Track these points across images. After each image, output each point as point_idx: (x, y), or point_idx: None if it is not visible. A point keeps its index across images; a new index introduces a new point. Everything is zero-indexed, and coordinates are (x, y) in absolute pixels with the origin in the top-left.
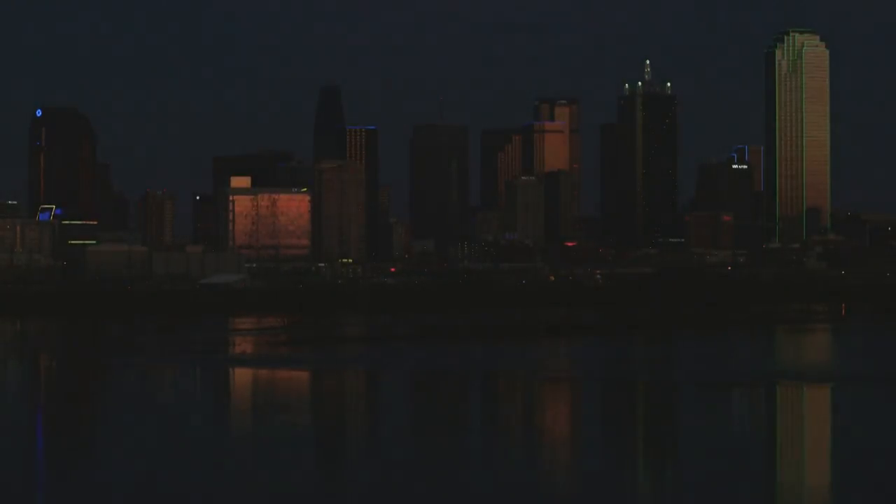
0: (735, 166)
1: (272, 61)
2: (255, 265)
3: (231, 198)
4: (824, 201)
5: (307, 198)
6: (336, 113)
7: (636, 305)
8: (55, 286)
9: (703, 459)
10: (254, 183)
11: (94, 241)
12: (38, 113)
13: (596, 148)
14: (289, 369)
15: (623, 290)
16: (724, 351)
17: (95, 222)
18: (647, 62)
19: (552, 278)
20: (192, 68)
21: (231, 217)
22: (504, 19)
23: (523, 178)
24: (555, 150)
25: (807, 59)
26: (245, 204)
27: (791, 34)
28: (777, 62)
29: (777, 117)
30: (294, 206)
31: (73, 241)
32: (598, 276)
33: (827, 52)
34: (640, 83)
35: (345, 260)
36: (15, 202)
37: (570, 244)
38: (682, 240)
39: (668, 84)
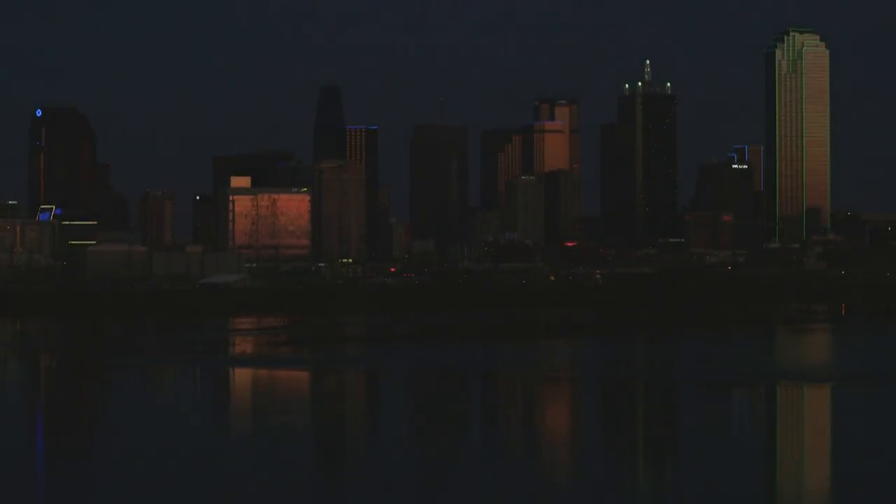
0: (735, 166)
1: (272, 61)
2: (255, 265)
3: (231, 198)
4: (824, 201)
5: (307, 198)
6: (336, 113)
7: (636, 305)
8: (55, 286)
9: (703, 459)
10: (254, 183)
11: (94, 241)
12: (38, 113)
13: (596, 148)
14: (289, 369)
15: (623, 290)
16: (724, 351)
17: (95, 222)
18: (647, 62)
19: (552, 278)
20: (192, 68)
21: (231, 217)
22: (504, 19)
23: (523, 178)
24: (555, 150)
25: (807, 59)
26: (245, 204)
27: (791, 34)
28: (777, 62)
29: (777, 117)
30: (294, 206)
31: (73, 241)
32: (598, 276)
33: (827, 52)
34: (640, 83)
35: (345, 260)
36: (15, 202)
37: (570, 244)
38: (682, 240)
39: (668, 84)
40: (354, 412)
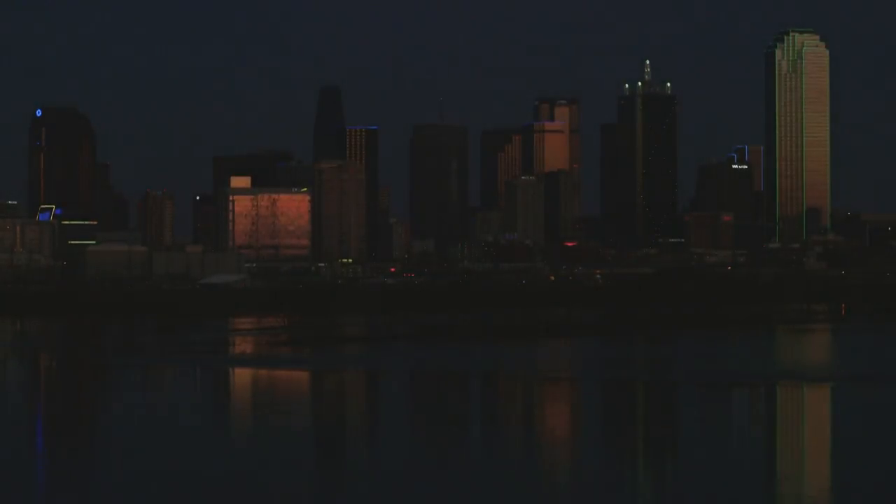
0: (735, 166)
1: (272, 61)
2: (255, 265)
3: (231, 198)
4: (824, 201)
5: (307, 198)
6: (336, 113)
7: (636, 305)
8: (55, 286)
9: (703, 459)
10: (254, 183)
11: (94, 241)
12: (38, 113)
13: (596, 148)
14: (289, 369)
15: (623, 290)
16: (724, 351)
17: (95, 222)
18: (647, 62)
19: (552, 278)
20: (192, 68)
21: (231, 217)
22: (504, 19)
23: (523, 178)
24: (555, 150)
25: (807, 59)
26: (245, 204)
27: (791, 34)
28: (777, 62)
29: (777, 117)
30: (294, 206)
31: (73, 241)
32: (598, 276)
33: (827, 52)
34: (640, 83)
35: (345, 260)
36: (15, 202)
37: (570, 244)
38: (682, 240)
39: (668, 84)
40: (354, 412)
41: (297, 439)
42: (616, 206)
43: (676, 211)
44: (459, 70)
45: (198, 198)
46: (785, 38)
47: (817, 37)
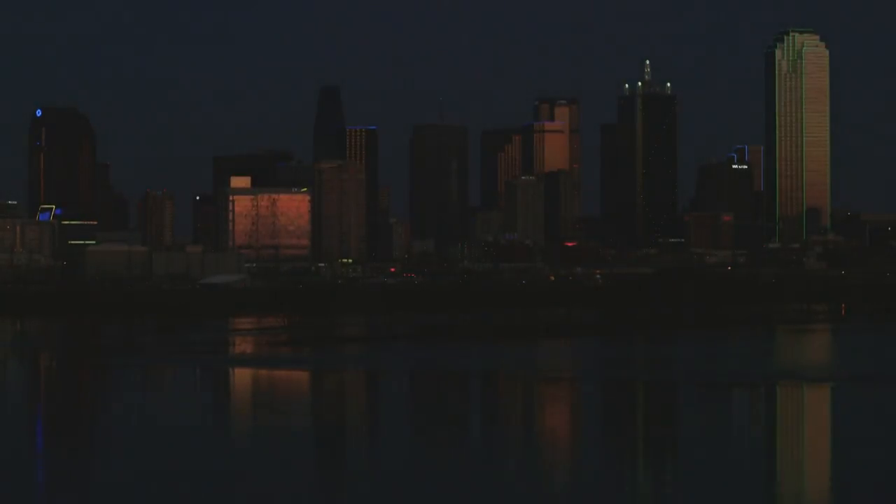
0: (735, 166)
1: (272, 62)
2: (255, 265)
3: (231, 198)
4: (824, 201)
5: (307, 198)
6: (336, 113)
7: (636, 305)
8: (55, 286)
9: (703, 459)
10: (254, 183)
11: (94, 241)
12: (38, 113)
13: (596, 148)
14: (289, 369)
15: (623, 290)
16: (724, 351)
17: (95, 222)
18: (647, 62)
19: (552, 278)
20: (192, 68)
21: (231, 217)
22: (504, 19)
23: (523, 178)
24: (555, 150)
25: (807, 59)
26: (245, 204)
27: (791, 34)
28: (777, 62)
29: (777, 117)
30: (294, 206)
31: (73, 241)
32: (598, 276)
33: (827, 52)
34: (640, 83)
35: (345, 260)
36: (15, 202)
37: (570, 244)
38: (682, 240)
39: (668, 84)
40: (354, 412)
41: (297, 439)
42: (616, 206)
43: (676, 211)
44: (459, 70)
45: (198, 198)
46: (785, 38)
47: (817, 37)
